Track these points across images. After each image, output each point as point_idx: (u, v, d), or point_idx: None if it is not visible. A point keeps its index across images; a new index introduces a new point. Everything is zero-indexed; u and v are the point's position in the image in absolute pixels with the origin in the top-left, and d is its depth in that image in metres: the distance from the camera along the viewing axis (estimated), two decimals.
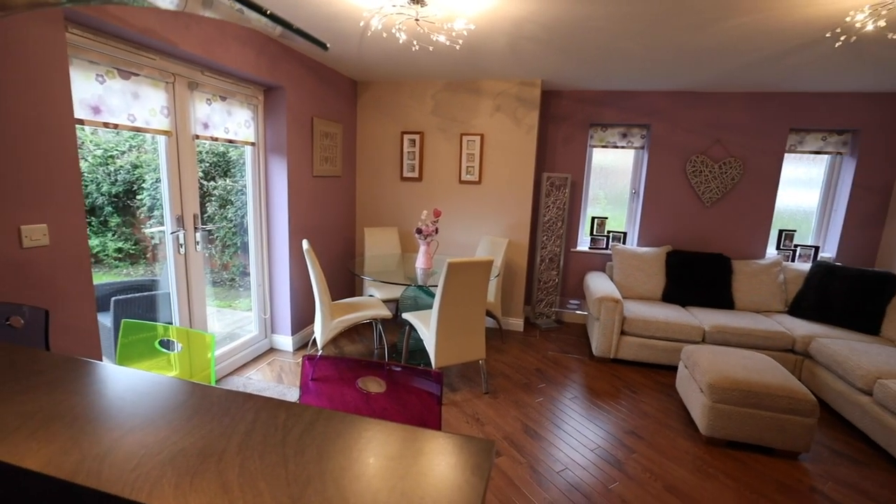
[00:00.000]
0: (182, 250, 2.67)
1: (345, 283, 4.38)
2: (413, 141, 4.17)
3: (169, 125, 2.47)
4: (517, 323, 4.23)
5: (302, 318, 3.67)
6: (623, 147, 4.30)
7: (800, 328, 3.28)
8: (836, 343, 2.96)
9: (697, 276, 3.78)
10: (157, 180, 2.57)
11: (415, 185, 4.26)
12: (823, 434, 2.69)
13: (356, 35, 2.83)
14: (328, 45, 2.81)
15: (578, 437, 2.54)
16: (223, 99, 2.85)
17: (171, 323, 2.68)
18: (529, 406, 2.84)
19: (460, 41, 2.81)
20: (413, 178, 4.23)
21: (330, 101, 3.76)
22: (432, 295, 3.35)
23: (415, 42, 2.87)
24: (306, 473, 0.69)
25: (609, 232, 4.39)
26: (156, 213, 2.64)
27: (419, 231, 3.21)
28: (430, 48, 3.02)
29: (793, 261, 4.10)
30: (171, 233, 2.61)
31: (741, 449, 2.49)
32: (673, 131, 4.09)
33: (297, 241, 3.46)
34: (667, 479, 2.21)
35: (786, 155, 4.03)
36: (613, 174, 4.46)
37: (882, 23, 1.89)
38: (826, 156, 4.05)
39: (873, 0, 1.98)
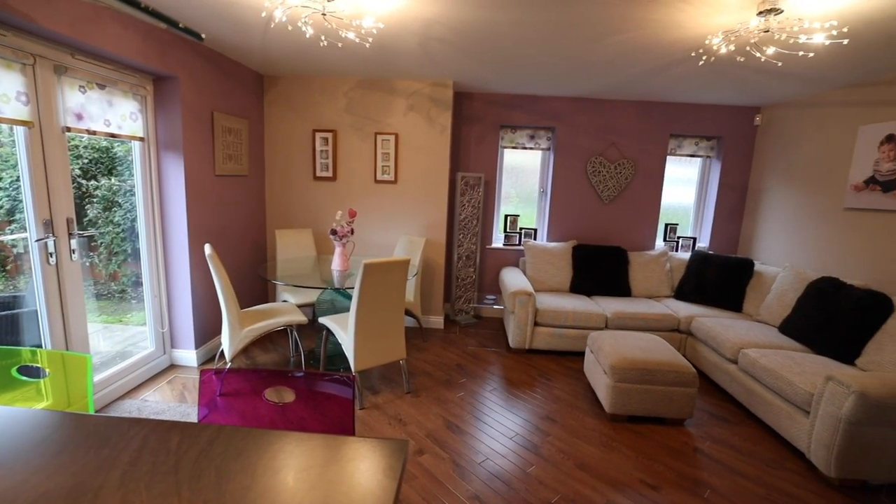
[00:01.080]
0: (53, 260, 2.31)
1: (256, 289, 4.11)
2: (326, 139, 4.03)
3: (28, 114, 2.12)
4: (437, 321, 4.29)
5: (207, 330, 3.37)
6: (531, 148, 4.54)
7: (683, 310, 3.73)
8: (710, 321, 3.41)
9: (600, 268, 4.13)
10: (18, 179, 2.20)
11: (329, 184, 4.13)
12: (702, 400, 3.09)
13: (259, 26, 2.67)
14: (203, 36, 2.61)
15: (498, 427, 2.64)
16: (101, 87, 2.51)
17: (39, 346, 2.31)
18: (451, 402, 2.89)
19: (370, 39, 2.77)
20: (327, 177, 4.09)
21: (233, 94, 3.50)
22: (350, 297, 3.27)
23: (323, 37, 2.77)
24: (202, 499, 0.63)
25: (521, 229, 4.62)
26: (17, 216, 2.26)
27: (334, 232, 3.12)
28: (340, 44, 2.94)
29: (677, 251, 4.65)
30: (37, 240, 2.24)
31: (639, 422, 2.76)
32: (574, 134, 4.42)
33: (198, 245, 3.17)
34: (578, 457, 2.38)
35: (668, 157, 4.55)
36: (524, 174, 4.70)
37: (732, 47, 2.22)
38: (699, 158, 4.64)
39: (725, 28, 2.31)
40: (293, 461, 0.73)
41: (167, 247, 3.08)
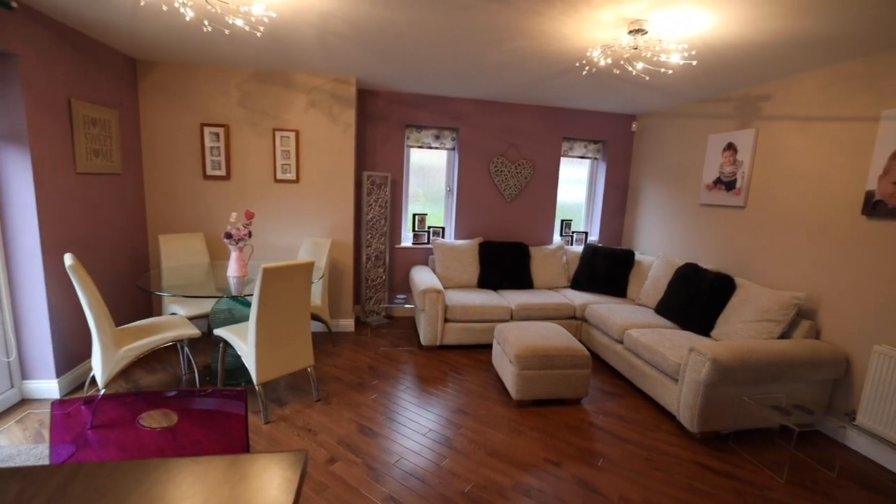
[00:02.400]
0: None
1: (138, 302, 3.63)
2: (217, 135, 3.69)
3: None
4: (347, 324, 4.18)
5: (73, 354, 2.91)
6: (437, 148, 4.63)
7: (578, 298, 4.09)
8: (600, 307, 3.78)
9: (504, 263, 4.35)
10: None
11: (222, 184, 3.79)
12: (596, 379, 3.42)
13: (127, 2, 2.35)
14: (13, 5, 2.25)
15: (411, 425, 2.65)
16: None
17: None
18: (364, 405, 2.84)
19: (262, 28, 2.60)
20: (219, 176, 3.75)
21: (98, 80, 3.05)
22: (249, 305, 3.05)
23: (206, 22, 2.53)
24: None
25: (429, 227, 4.68)
26: None
27: (229, 235, 2.88)
28: (227, 31, 2.71)
29: (571, 244, 5.07)
30: None
31: (542, 405, 2.97)
32: (477, 135, 4.59)
33: (56, 256, 2.72)
34: (488, 445, 2.49)
35: (562, 158, 4.93)
36: (430, 173, 4.76)
37: (609, 60, 2.48)
38: (588, 160, 5.10)
39: (602, 42, 2.57)
40: (173, 492, 0.66)
41: (11, 259, 2.59)
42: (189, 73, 3.59)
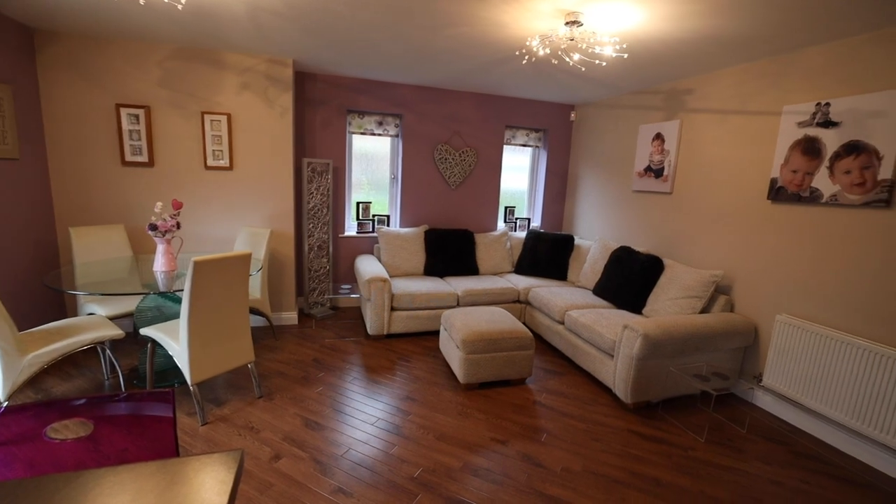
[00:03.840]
0: None
1: (49, 302, 3.28)
2: (136, 117, 3.38)
3: None
4: (290, 316, 4.04)
5: None
6: (380, 134, 4.53)
7: (522, 283, 4.22)
8: (542, 290, 3.93)
9: (450, 250, 4.39)
10: None
11: (144, 171, 3.49)
12: (539, 359, 3.56)
13: None
14: None
15: (360, 415, 2.63)
16: None
17: None
18: (309, 399, 2.77)
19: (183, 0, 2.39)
20: (141, 162, 3.45)
21: None
22: (180, 301, 2.85)
23: None
24: None
25: (374, 216, 4.61)
26: None
27: (154, 227, 2.66)
28: (142, 2, 2.47)
29: (515, 231, 5.20)
30: None
31: (489, 387, 3.05)
32: (421, 122, 4.55)
33: None
34: (437, 430, 2.52)
35: (505, 146, 5.02)
36: (374, 160, 4.67)
37: (547, 50, 2.54)
38: (530, 148, 5.23)
39: (541, 32, 2.62)
40: None
41: None
42: (100, 48, 3.24)
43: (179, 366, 2.40)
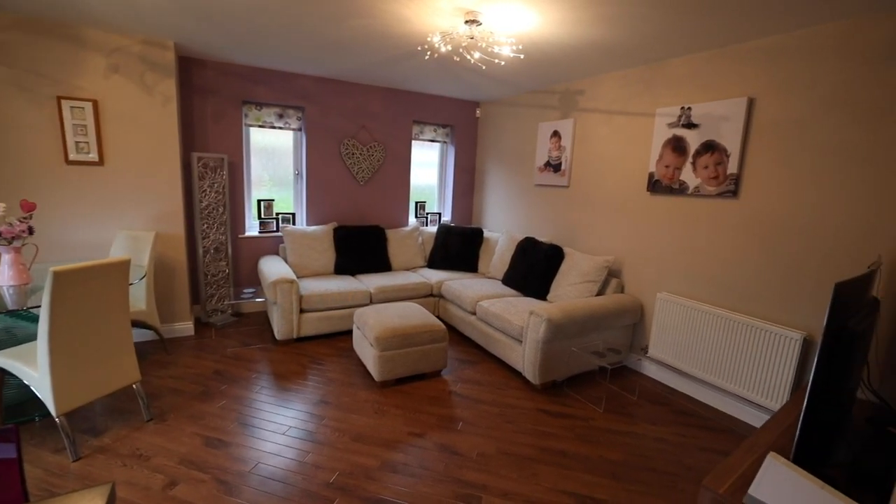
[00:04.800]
0: None
1: None
2: None
3: None
4: (185, 327, 3.66)
5: None
6: (281, 128, 4.27)
7: (435, 276, 4.27)
8: (455, 283, 4.02)
9: (361, 247, 4.29)
10: None
11: None
12: (454, 350, 3.65)
13: None
14: None
15: (269, 426, 2.47)
16: None
17: None
18: (210, 415, 2.54)
19: None
20: None
21: None
22: (37, 320, 2.43)
23: None
24: None
25: (278, 214, 4.34)
26: None
27: None
28: None
29: (426, 225, 5.25)
30: None
31: (405, 382, 3.05)
32: (326, 115, 4.37)
33: None
34: (353, 431, 2.46)
35: (413, 141, 5.02)
36: (276, 155, 4.39)
37: (449, 47, 2.58)
38: (438, 143, 5.30)
39: (442, 29, 2.66)
40: None
41: None
42: None
43: (40, 395, 2.04)
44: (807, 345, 2.43)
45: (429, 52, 2.69)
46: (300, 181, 4.47)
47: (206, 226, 3.79)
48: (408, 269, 4.56)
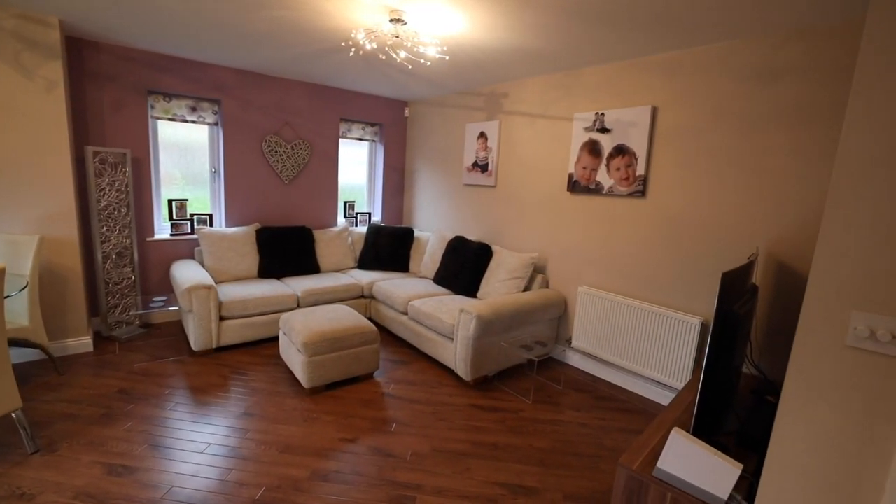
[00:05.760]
0: None
1: None
2: None
3: None
4: (82, 343, 3.25)
5: None
6: (194, 122, 3.95)
7: (365, 277, 4.20)
8: (386, 283, 3.98)
9: (287, 249, 4.10)
10: None
11: None
12: (386, 351, 3.61)
13: None
14: None
15: (185, 445, 2.28)
16: None
17: None
18: (113, 439, 2.28)
19: None
20: None
21: None
22: None
23: None
24: None
25: (193, 215, 4.01)
26: None
27: None
28: None
29: (356, 225, 5.14)
30: None
31: (336, 387, 2.97)
32: (245, 110, 4.11)
33: None
34: (280, 442, 2.35)
35: (341, 139, 4.89)
36: (190, 151, 4.05)
37: (374, 45, 2.54)
38: (367, 142, 5.21)
39: (366, 26, 2.61)
40: None
41: None
42: None
43: None
44: (704, 328, 2.73)
45: (353, 49, 2.64)
46: (218, 179, 4.17)
47: (105, 228, 3.40)
48: (337, 271, 4.44)
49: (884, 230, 0.99)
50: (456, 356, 3.07)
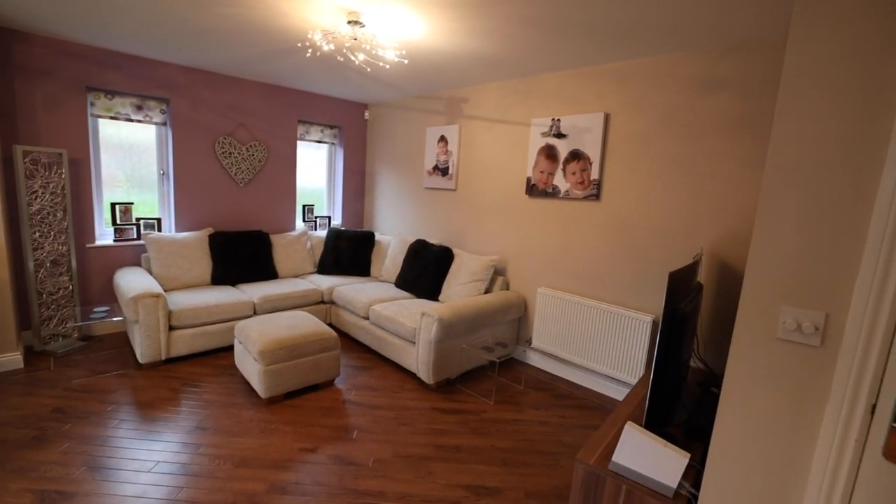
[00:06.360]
0: None
1: None
2: None
3: None
4: (10, 360, 2.98)
5: None
6: (140, 121, 3.74)
7: (325, 282, 4.11)
8: (346, 288, 3.91)
9: (242, 254, 3.95)
10: None
11: None
12: (347, 357, 3.55)
13: None
14: None
15: (130, 465, 2.14)
16: None
17: None
18: (47, 464, 2.11)
19: None
20: None
21: None
22: None
23: None
24: None
25: (139, 219, 3.79)
26: None
27: None
28: None
29: (315, 230, 5.03)
30: None
31: (295, 396, 2.88)
32: (197, 110, 3.94)
33: None
34: (236, 456, 2.25)
35: (299, 142, 4.78)
36: (135, 152, 3.83)
37: (332, 46, 2.51)
38: (326, 145, 5.12)
39: (323, 27, 2.57)
40: None
41: None
42: None
43: None
44: (655, 326, 2.86)
45: (310, 50, 2.58)
46: (167, 182, 3.96)
47: (38, 234, 3.15)
48: (296, 276, 4.32)
49: (807, 233, 1.07)
50: (418, 360, 3.06)
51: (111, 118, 3.60)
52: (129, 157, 3.81)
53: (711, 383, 2.26)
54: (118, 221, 3.69)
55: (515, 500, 2.07)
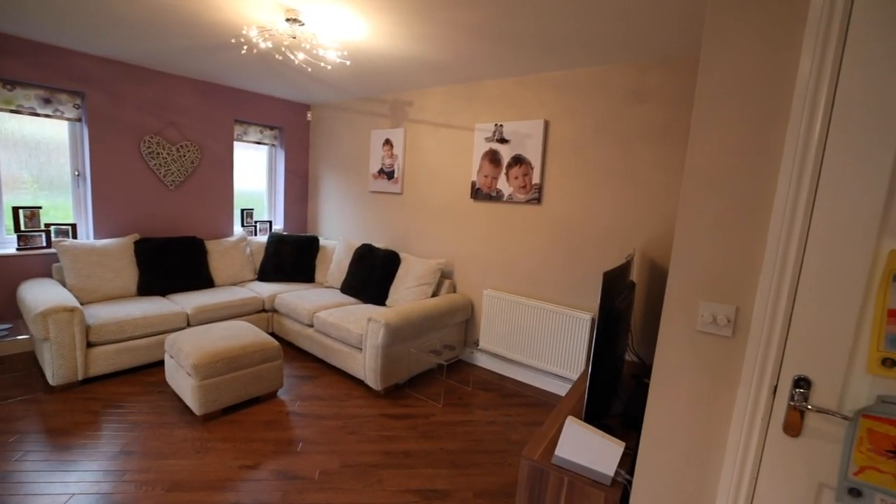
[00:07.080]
0: None
1: None
2: None
3: None
4: None
5: None
6: (50, 116, 3.39)
7: (266, 290, 3.93)
8: (289, 295, 3.77)
9: (173, 262, 3.69)
10: None
11: None
12: (291, 367, 3.42)
13: None
14: None
15: (39, 501, 1.92)
16: None
17: None
18: None
19: None
20: None
21: None
22: None
23: None
24: None
25: (49, 225, 3.42)
26: None
27: None
28: None
29: (255, 235, 4.80)
30: None
31: (234, 410, 2.73)
32: (119, 106, 3.63)
33: None
34: (167, 480, 2.09)
35: (236, 143, 4.54)
36: (43, 150, 3.46)
37: (269, 44, 2.41)
38: (265, 146, 4.91)
39: (259, 24, 2.48)
40: None
41: None
42: None
43: None
44: (593, 323, 3.01)
45: (246, 47, 2.47)
46: (83, 184, 3.61)
47: None
48: (235, 284, 4.10)
49: (720, 234, 1.18)
50: (365, 366, 3.01)
51: (11, 111, 3.23)
52: (36, 156, 3.43)
53: (645, 375, 2.41)
54: (22, 228, 3.31)
55: (464, 500, 2.09)
